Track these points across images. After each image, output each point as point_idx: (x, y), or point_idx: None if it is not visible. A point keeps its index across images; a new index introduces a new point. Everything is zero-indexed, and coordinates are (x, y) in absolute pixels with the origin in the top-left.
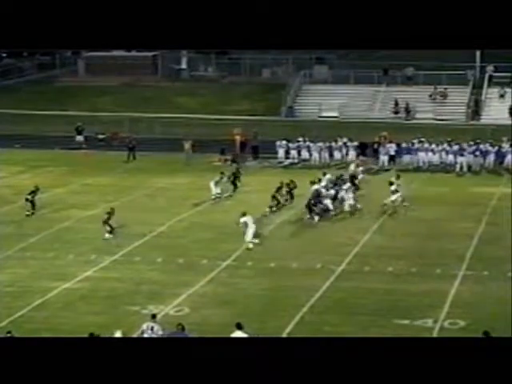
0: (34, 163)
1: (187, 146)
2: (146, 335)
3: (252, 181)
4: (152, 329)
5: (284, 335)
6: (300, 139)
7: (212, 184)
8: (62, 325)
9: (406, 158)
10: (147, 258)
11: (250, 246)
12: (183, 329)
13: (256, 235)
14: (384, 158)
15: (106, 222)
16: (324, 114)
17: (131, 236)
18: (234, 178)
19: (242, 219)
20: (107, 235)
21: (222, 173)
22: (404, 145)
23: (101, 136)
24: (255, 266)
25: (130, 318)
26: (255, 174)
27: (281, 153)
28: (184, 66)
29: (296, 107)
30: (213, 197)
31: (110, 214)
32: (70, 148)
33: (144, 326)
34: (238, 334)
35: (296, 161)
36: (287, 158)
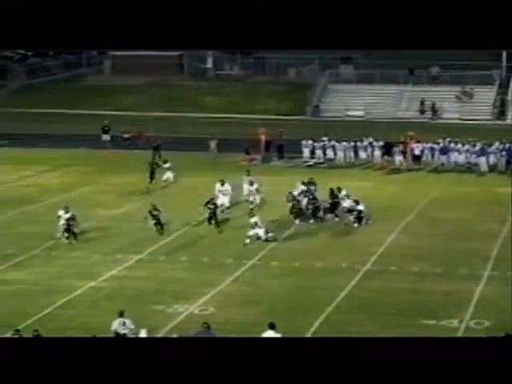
0: (60, 162)
1: (212, 145)
2: (119, 331)
3: (277, 181)
4: (124, 324)
5: (309, 335)
6: (325, 139)
7: (245, 185)
8: (87, 323)
9: (433, 158)
10: (172, 257)
11: (247, 241)
12: (209, 328)
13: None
14: (409, 158)
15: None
16: (349, 114)
17: (156, 235)
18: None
19: (252, 220)
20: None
21: (247, 171)
22: (430, 145)
23: (126, 135)
24: (280, 265)
25: (154, 317)
26: (280, 174)
27: (306, 152)
28: (209, 65)
29: (321, 107)
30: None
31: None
32: (95, 147)
33: (116, 323)
34: (270, 333)
35: (321, 160)
36: (312, 157)
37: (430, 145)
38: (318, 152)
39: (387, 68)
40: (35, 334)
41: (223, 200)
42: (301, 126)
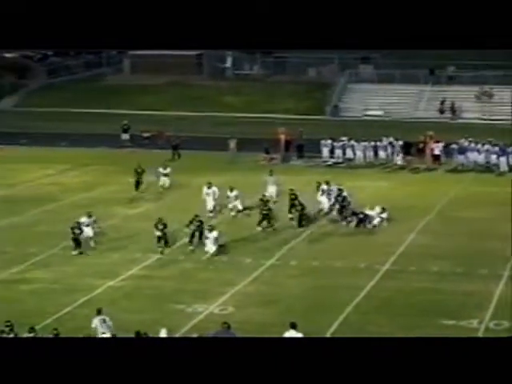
0: (81, 161)
1: (232, 144)
2: (100, 329)
3: (296, 180)
4: (104, 321)
5: (327, 335)
6: (344, 138)
7: (269, 185)
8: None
9: (452, 158)
10: (192, 257)
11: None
12: (229, 327)
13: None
14: (429, 158)
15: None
16: (369, 113)
17: (175, 235)
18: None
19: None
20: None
21: (270, 171)
22: (450, 145)
23: (146, 134)
24: (299, 265)
25: (174, 316)
26: (300, 174)
27: (325, 152)
28: (229, 64)
29: (341, 106)
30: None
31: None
32: (115, 146)
33: (96, 321)
34: (292, 333)
35: (340, 160)
36: (332, 157)
37: (450, 144)
38: (338, 152)
39: (407, 68)
40: (54, 332)
41: (210, 203)
42: (320, 126)
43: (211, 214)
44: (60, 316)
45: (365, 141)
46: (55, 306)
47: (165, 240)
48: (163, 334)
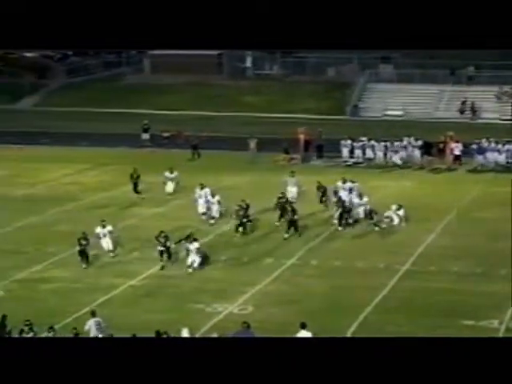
0: (100, 161)
1: (252, 144)
2: (93, 330)
3: (316, 180)
4: (99, 324)
5: (348, 335)
6: (364, 138)
7: (289, 187)
8: (126, 322)
9: (473, 158)
10: (212, 257)
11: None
12: (248, 327)
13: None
14: (450, 158)
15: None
16: (388, 113)
17: (195, 234)
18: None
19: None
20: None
21: (292, 172)
22: (470, 145)
23: (166, 134)
24: (319, 265)
25: (194, 315)
26: (319, 173)
27: (345, 152)
28: (249, 64)
29: (361, 106)
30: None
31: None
32: (135, 146)
33: (90, 322)
34: (303, 333)
35: (360, 160)
36: (351, 157)
37: (470, 145)
38: (357, 152)
39: (427, 68)
40: (74, 332)
41: (202, 206)
42: (340, 126)
43: (204, 217)
44: (80, 315)
45: (385, 141)
46: (75, 305)
47: (168, 254)
48: (185, 333)
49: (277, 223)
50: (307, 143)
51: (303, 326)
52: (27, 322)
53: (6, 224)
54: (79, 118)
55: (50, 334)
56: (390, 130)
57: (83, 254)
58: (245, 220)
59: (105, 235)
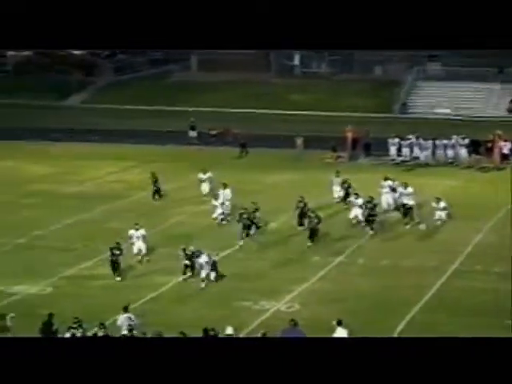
0: (147, 158)
1: (299, 142)
2: (124, 327)
3: (363, 178)
4: (131, 320)
5: (394, 335)
6: (411, 136)
7: (334, 186)
8: (174, 319)
9: None
10: (260, 254)
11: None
12: (296, 324)
13: None
14: (498, 157)
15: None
16: (437, 111)
17: (244, 230)
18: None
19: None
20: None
21: (337, 171)
22: None
23: (213, 132)
24: (367, 263)
25: (241, 313)
26: (367, 172)
27: (393, 150)
28: (297, 62)
29: (409, 104)
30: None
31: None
32: (182, 143)
33: (122, 318)
34: (339, 330)
35: (408, 158)
36: (399, 155)
37: None
38: (405, 150)
39: (475, 66)
40: (101, 328)
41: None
42: (388, 124)
43: (206, 198)
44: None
45: (433, 139)
46: (123, 302)
47: (192, 268)
48: (229, 331)
49: (299, 228)
50: (355, 141)
51: (339, 323)
52: (76, 320)
53: (56, 221)
54: (126, 115)
55: (101, 331)
56: (438, 129)
57: (115, 264)
58: (309, 214)
59: (138, 238)
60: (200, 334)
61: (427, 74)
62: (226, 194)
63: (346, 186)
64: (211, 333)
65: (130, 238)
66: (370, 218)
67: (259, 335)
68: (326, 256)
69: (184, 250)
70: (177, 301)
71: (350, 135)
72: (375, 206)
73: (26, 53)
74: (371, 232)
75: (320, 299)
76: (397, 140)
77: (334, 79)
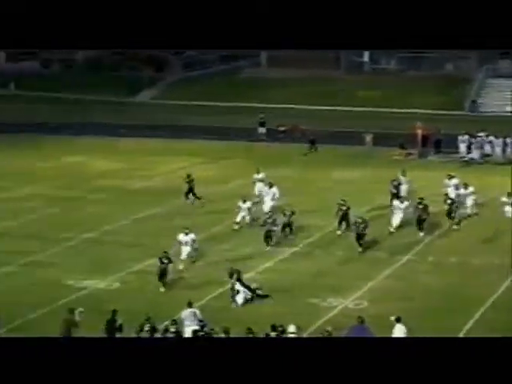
0: (216, 154)
1: (368, 139)
2: (187, 322)
3: (431, 176)
4: (194, 314)
5: (461, 334)
6: (482, 134)
7: (403, 185)
8: (241, 316)
9: None
10: (327, 251)
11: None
12: (362, 322)
13: None
14: None
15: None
16: (508, 109)
17: (310, 228)
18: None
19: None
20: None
21: (403, 171)
22: None
23: (282, 128)
24: (436, 261)
25: (308, 309)
26: (435, 169)
27: (462, 147)
28: (366, 59)
29: (479, 101)
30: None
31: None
32: (251, 140)
33: (186, 313)
34: (398, 327)
35: (478, 156)
36: (469, 152)
37: None
38: (475, 148)
39: None
40: (172, 323)
41: (268, 204)
42: (458, 121)
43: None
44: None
45: (504, 137)
46: (188, 298)
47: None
48: (292, 329)
49: (338, 232)
50: (425, 138)
51: (398, 320)
52: (147, 317)
53: (124, 216)
54: (196, 111)
55: (173, 327)
56: (508, 126)
57: (163, 274)
58: (356, 219)
59: (187, 243)
60: (267, 331)
61: (498, 71)
62: (272, 192)
63: (395, 183)
64: (279, 329)
65: (179, 243)
66: (421, 219)
67: (325, 332)
68: (394, 253)
69: (230, 274)
70: None
71: (419, 132)
72: (426, 206)
73: (97, 50)
74: (421, 234)
75: (388, 297)
76: (467, 137)
77: (403, 76)
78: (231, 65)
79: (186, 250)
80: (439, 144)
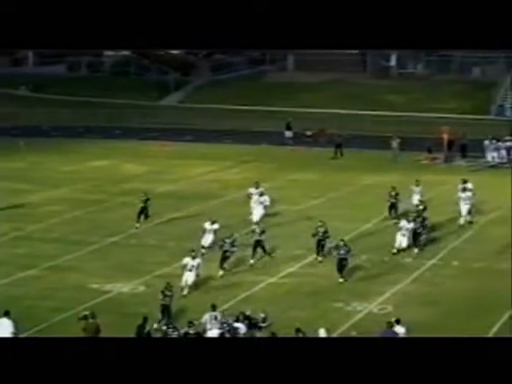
0: (243, 158)
1: (394, 143)
2: (208, 325)
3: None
4: (216, 318)
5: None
6: (508, 138)
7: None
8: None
9: None
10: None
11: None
12: (392, 326)
13: None
14: None
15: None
16: None
17: (336, 232)
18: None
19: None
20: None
21: (417, 181)
22: None
23: (308, 132)
24: (461, 265)
25: (333, 314)
26: (460, 174)
27: (489, 152)
28: (393, 63)
29: (506, 106)
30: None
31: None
32: (278, 143)
33: (206, 316)
34: (397, 328)
35: (505, 160)
36: (495, 157)
37: None
38: (502, 152)
39: None
40: (190, 325)
41: (259, 213)
42: (484, 126)
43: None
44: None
45: None
46: (216, 301)
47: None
48: (322, 334)
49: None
50: (451, 143)
51: (397, 322)
52: (169, 322)
53: (150, 219)
54: (223, 114)
55: (192, 330)
56: None
57: (166, 308)
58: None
59: (192, 267)
60: (291, 335)
61: None
62: (263, 200)
63: (393, 193)
64: (303, 332)
65: (184, 266)
66: (417, 233)
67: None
68: (419, 258)
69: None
70: (268, 301)
71: (446, 136)
72: (424, 219)
73: (125, 53)
74: (416, 250)
75: (414, 301)
76: (493, 142)
77: (430, 80)
78: (258, 68)
79: (191, 275)
80: (465, 148)
